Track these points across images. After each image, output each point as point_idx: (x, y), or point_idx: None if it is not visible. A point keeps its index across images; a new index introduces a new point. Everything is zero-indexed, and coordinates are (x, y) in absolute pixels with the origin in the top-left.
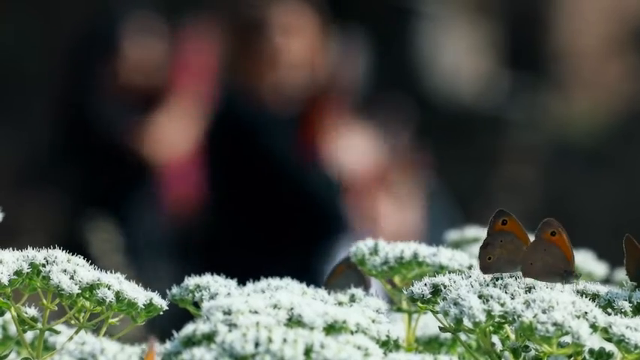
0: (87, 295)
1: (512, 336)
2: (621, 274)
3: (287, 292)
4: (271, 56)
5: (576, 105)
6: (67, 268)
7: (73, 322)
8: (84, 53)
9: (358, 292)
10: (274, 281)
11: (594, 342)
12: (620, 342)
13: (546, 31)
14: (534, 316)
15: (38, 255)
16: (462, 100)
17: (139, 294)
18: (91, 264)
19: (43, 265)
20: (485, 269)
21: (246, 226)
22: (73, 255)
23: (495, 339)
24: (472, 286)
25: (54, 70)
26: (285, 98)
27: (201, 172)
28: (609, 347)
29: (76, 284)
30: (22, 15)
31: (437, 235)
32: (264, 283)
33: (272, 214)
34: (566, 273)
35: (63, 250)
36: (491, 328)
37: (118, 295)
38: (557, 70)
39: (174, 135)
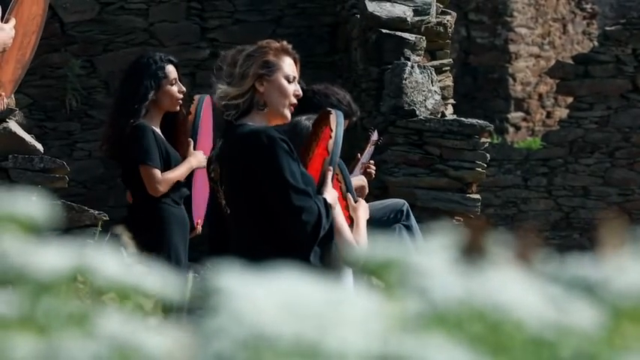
0: (116, 289)
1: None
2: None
3: (291, 283)
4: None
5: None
6: (104, 266)
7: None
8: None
9: (351, 284)
10: (282, 273)
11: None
12: (562, 328)
13: (500, 80)
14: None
15: (83, 255)
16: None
17: (160, 286)
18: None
19: (88, 264)
20: (456, 260)
21: (253, 237)
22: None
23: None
24: (446, 280)
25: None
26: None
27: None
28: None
29: (109, 280)
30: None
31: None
32: (274, 275)
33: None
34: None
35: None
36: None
37: (141, 289)
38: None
39: None
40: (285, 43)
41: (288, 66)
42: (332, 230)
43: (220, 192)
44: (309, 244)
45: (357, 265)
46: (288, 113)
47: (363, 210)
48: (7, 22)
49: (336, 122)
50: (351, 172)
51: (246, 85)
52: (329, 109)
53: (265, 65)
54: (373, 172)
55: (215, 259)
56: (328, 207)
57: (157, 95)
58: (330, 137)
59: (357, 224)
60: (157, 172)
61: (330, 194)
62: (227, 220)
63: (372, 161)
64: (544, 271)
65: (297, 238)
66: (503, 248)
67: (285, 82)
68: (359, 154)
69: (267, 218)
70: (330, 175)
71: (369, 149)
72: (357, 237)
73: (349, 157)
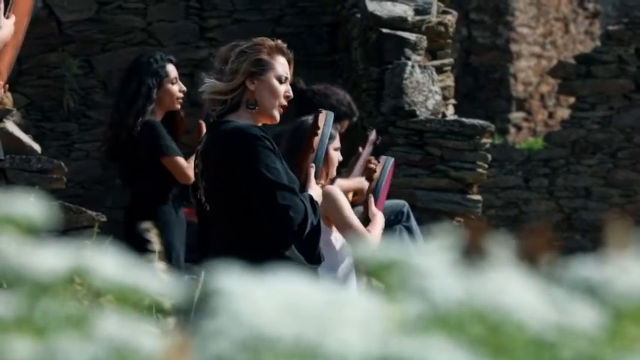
0: (113, 291)
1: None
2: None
3: (291, 285)
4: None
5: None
6: (103, 268)
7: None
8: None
9: (353, 284)
10: (281, 274)
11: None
12: (562, 329)
13: (501, 81)
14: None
15: (80, 256)
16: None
17: (158, 287)
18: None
19: (87, 265)
20: (457, 262)
21: (237, 235)
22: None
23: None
24: (446, 281)
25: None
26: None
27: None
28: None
29: (106, 281)
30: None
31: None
32: (272, 276)
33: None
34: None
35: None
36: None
37: (139, 290)
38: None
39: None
40: (279, 42)
41: (281, 66)
42: (319, 228)
43: (201, 188)
44: (296, 241)
45: (366, 257)
46: (277, 114)
47: (380, 216)
48: (7, 18)
49: (325, 121)
50: (351, 169)
51: (236, 81)
52: (320, 109)
53: (258, 63)
54: (374, 166)
55: (205, 259)
56: (314, 203)
57: (159, 94)
58: (317, 135)
59: (374, 221)
60: (182, 159)
61: (315, 190)
62: (206, 217)
63: (372, 157)
64: (546, 272)
65: (284, 235)
66: (504, 249)
67: (276, 83)
68: (360, 148)
69: (246, 216)
70: (312, 171)
71: (368, 149)
72: (371, 229)
73: (351, 156)
